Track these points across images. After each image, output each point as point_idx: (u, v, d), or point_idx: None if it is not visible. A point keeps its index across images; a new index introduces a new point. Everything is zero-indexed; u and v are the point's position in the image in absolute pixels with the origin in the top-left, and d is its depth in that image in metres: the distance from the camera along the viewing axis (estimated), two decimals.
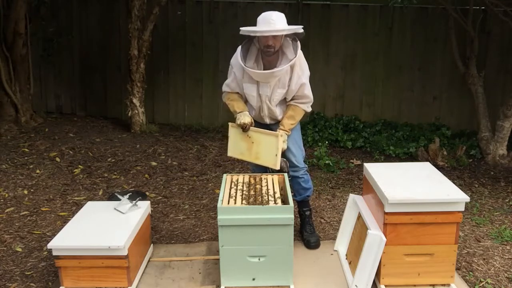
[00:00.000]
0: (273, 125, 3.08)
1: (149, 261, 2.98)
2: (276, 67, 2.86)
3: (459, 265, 2.99)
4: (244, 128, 2.96)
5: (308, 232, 3.20)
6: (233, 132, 3.07)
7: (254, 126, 3.00)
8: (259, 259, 2.59)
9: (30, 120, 5.71)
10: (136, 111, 5.70)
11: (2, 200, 3.86)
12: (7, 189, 4.06)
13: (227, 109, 6.65)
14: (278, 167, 2.89)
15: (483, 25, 5.67)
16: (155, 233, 3.39)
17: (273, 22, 2.75)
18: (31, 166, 4.53)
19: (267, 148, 2.92)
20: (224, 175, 2.94)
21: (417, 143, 5.38)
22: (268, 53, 2.83)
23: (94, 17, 6.23)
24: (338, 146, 5.51)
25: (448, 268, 2.61)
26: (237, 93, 3.06)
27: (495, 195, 4.20)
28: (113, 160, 4.80)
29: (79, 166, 4.60)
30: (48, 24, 6.09)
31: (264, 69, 2.90)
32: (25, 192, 4.03)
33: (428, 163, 3.11)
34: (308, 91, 2.98)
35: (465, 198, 2.52)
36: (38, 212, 3.70)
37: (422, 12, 5.91)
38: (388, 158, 5.12)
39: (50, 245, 2.54)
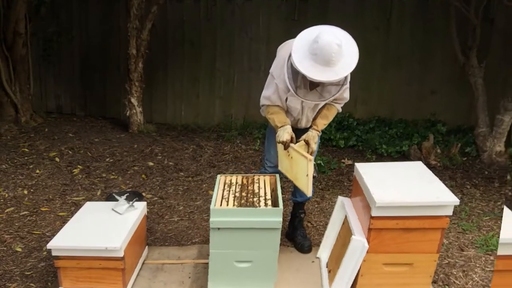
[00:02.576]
0: (306, 128, 2.95)
1: (143, 263, 3.02)
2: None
3: (437, 277, 2.89)
4: (284, 146, 2.77)
5: (302, 236, 3.21)
6: (279, 147, 2.86)
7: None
8: (245, 265, 2.59)
9: (30, 120, 5.77)
10: (134, 111, 5.75)
11: (2, 200, 3.93)
12: (7, 189, 4.13)
13: (223, 108, 6.58)
14: (310, 194, 2.71)
15: (486, 12, 5.11)
16: (150, 234, 3.43)
17: (333, 62, 2.41)
18: (31, 166, 4.60)
19: (300, 170, 2.69)
20: (218, 176, 2.92)
21: (411, 140, 5.22)
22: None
23: (94, 17, 6.26)
24: (331, 145, 5.38)
25: (425, 280, 2.57)
26: (277, 105, 2.84)
27: (487, 197, 4.06)
28: (111, 160, 4.87)
29: (78, 166, 4.67)
30: (48, 24, 6.13)
31: (309, 85, 2.67)
32: (25, 192, 4.09)
33: (420, 162, 3.00)
34: (347, 93, 2.84)
35: (455, 201, 2.42)
36: (37, 212, 3.76)
37: (421, 4, 5.66)
38: (380, 157, 4.99)
39: (50, 245, 2.57)
